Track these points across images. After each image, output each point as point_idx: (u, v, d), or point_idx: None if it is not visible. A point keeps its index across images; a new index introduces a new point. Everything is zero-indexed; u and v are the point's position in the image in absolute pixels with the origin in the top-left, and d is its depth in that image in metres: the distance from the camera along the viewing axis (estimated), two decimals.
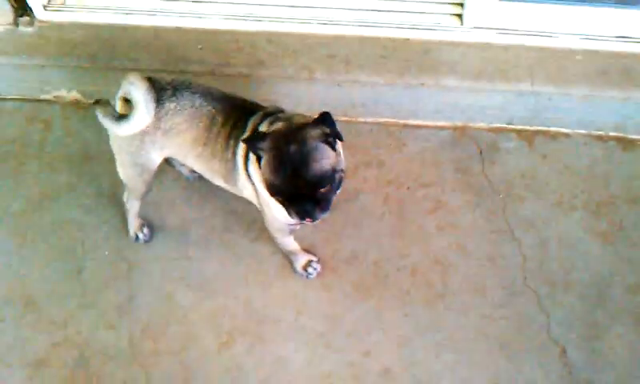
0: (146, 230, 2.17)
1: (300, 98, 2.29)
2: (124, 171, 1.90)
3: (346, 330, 2.02)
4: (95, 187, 2.28)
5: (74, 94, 2.45)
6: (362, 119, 2.37)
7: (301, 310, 2.05)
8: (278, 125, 1.57)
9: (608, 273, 2.08)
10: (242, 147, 1.69)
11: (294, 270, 2.10)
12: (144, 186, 1.95)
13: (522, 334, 1.99)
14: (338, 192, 1.58)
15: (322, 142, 1.50)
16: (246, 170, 1.70)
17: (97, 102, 1.72)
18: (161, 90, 1.72)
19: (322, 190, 1.51)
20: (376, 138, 2.35)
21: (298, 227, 1.88)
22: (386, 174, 2.26)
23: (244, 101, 1.81)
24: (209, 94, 1.77)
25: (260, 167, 1.55)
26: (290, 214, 1.56)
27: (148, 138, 1.75)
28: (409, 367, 1.96)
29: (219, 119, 1.74)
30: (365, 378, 1.96)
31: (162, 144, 1.78)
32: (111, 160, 1.86)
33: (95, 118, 1.70)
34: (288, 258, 2.11)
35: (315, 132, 1.50)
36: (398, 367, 1.96)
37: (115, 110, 1.71)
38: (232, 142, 1.73)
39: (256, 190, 1.74)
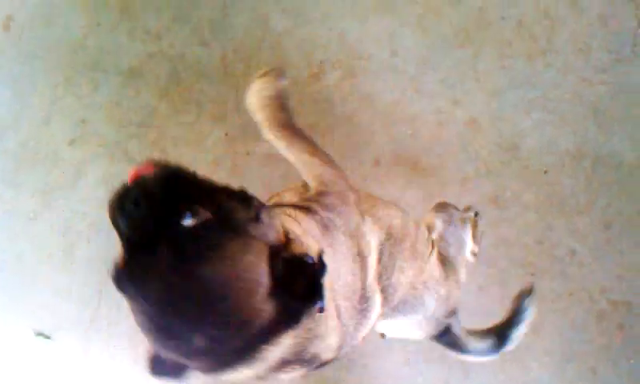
0: None
1: None
2: None
3: (439, 76, 1.98)
4: None
5: None
6: None
7: (396, 51, 2.00)
8: None
9: None
10: None
11: None
12: None
13: (618, 103, 1.92)
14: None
15: None
16: None
17: None
18: None
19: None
20: None
21: None
22: None
23: None
24: None
25: None
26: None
27: None
28: (496, 121, 1.95)
29: None
30: (450, 125, 1.97)
31: None
32: None
33: None
34: None
35: None
36: (485, 119, 1.96)
37: None
38: None
39: None
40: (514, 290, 1.86)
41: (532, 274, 1.90)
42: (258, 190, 1.95)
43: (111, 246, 1.94)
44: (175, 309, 0.72)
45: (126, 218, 0.78)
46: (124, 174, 1.98)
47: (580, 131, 1.93)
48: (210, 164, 2.02)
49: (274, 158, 1.98)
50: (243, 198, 0.87)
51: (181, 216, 0.75)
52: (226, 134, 2.02)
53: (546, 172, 1.92)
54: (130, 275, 0.75)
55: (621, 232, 1.89)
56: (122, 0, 2.10)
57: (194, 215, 0.76)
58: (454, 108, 1.97)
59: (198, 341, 0.73)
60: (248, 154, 2.01)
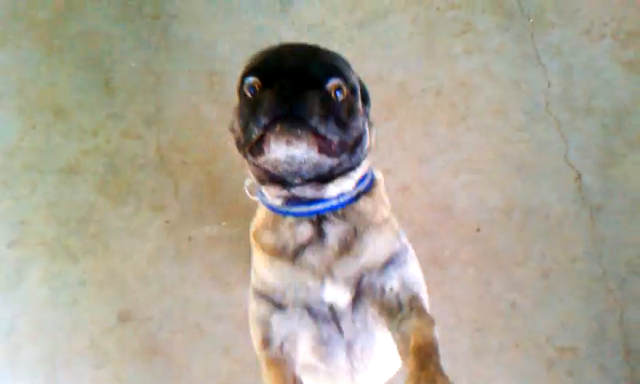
0: None
1: None
2: None
3: None
4: None
5: None
6: None
7: None
8: None
9: (630, 101, 2.07)
10: None
11: None
12: None
13: (539, 157, 2.04)
14: (352, 123, 1.10)
15: None
16: None
17: None
18: None
19: (333, 83, 1.02)
20: None
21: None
22: None
23: None
24: None
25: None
26: (256, 115, 0.96)
27: None
28: (427, 185, 2.04)
29: None
30: None
31: None
32: None
33: None
34: None
35: None
36: (416, 184, 2.04)
37: None
38: None
39: None
40: (463, 347, 1.90)
41: (478, 330, 1.93)
42: (203, 274, 1.96)
43: (57, 347, 1.91)
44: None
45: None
46: (66, 271, 1.97)
47: (507, 187, 2.02)
48: (152, 253, 2.02)
49: (216, 240, 2.01)
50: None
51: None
52: (167, 222, 2.04)
53: (478, 229, 2.00)
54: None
55: (558, 280, 1.96)
56: (56, 103, 2.15)
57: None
58: (385, 177, 2.04)
59: None
60: (190, 239, 2.03)
